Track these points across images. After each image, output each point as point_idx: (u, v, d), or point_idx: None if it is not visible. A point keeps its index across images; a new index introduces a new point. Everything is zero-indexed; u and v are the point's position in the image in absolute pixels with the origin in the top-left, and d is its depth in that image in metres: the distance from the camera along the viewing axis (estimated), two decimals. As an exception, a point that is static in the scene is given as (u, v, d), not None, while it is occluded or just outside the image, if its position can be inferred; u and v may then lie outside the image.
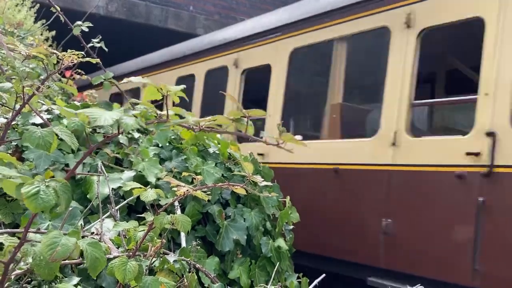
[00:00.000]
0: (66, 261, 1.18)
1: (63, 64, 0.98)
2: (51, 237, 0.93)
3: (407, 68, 3.59)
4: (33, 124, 2.02)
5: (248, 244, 2.28)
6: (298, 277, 2.68)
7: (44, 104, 2.29)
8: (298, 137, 0.96)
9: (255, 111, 0.96)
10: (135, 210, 2.02)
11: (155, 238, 1.27)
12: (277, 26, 4.81)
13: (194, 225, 2.14)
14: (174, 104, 1.07)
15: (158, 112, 1.05)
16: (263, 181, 1.14)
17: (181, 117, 1.07)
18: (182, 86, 1.03)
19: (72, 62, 3.95)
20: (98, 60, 1.21)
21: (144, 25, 10.46)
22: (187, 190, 1.07)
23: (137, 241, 1.17)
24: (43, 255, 0.90)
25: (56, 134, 1.01)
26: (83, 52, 1.03)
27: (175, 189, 1.11)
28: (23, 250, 0.98)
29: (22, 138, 0.95)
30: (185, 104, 1.06)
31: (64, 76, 4.78)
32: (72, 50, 1.07)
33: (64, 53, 0.99)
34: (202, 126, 0.99)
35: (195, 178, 1.26)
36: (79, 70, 4.53)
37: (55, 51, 1.00)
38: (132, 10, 10.21)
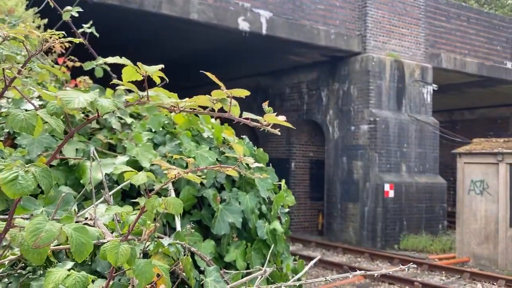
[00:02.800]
0: (54, 246, 1.18)
1: (45, 45, 0.96)
2: (35, 223, 0.92)
3: None
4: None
5: (244, 228, 2.29)
6: (295, 260, 2.70)
7: (36, 91, 2.27)
8: (282, 117, 0.95)
9: (239, 90, 0.95)
10: (129, 195, 2.02)
11: (148, 222, 1.27)
12: None
13: (190, 209, 2.15)
14: (156, 85, 1.05)
15: (140, 93, 1.03)
16: (254, 162, 1.13)
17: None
18: (160, 66, 1.01)
19: (61, 47, 3.89)
20: (81, 39, 1.18)
21: (137, 11, 10.35)
22: (178, 173, 1.07)
23: (129, 224, 1.17)
24: (26, 241, 0.90)
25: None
26: (63, 32, 1.00)
27: (165, 172, 1.10)
28: (12, 236, 0.98)
29: (6, 122, 0.94)
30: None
31: (57, 63, 4.74)
32: (52, 30, 1.04)
33: (45, 33, 0.97)
34: (181, 108, 0.97)
35: (188, 162, 1.25)
36: (72, 57, 4.49)
37: (34, 31, 0.98)
38: (125, -5, 10.08)
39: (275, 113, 1.00)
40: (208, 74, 1.02)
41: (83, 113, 2.09)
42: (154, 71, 0.99)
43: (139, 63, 0.99)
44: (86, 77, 4.12)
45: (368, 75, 13.58)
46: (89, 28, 2.56)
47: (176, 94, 1.04)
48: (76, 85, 4.25)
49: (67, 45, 4.46)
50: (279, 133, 1.01)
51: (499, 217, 10.62)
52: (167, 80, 1.03)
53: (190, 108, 1.00)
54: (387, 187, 13.20)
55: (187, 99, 1.01)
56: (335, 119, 14.50)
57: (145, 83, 0.98)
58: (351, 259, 12.37)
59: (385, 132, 13.54)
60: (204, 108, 1.02)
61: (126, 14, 10.67)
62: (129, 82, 1.01)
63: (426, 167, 14.31)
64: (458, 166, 11.40)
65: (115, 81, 1.01)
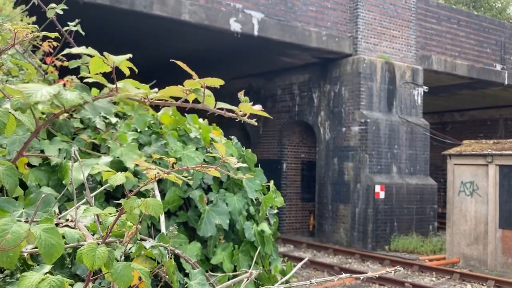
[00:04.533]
0: (31, 250, 1.14)
1: (18, 39, 0.92)
2: (1, 224, 0.88)
3: None
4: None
5: (231, 229, 2.26)
6: (283, 261, 2.67)
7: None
8: (258, 106, 0.91)
9: (212, 79, 0.91)
10: (114, 196, 1.98)
11: (129, 223, 1.23)
12: None
13: (176, 210, 2.11)
14: (126, 76, 1.01)
15: (109, 85, 0.99)
16: (238, 162, 1.10)
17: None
18: (128, 55, 0.97)
19: (49, 46, 3.81)
20: (56, 34, 1.14)
21: (128, 11, 10.28)
22: (158, 173, 1.04)
23: (107, 226, 1.14)
24: (-9, 243, 0.85)
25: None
26: (36, 26, 0.96)
27: (144, 172, 1.07)
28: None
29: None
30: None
31: (45, 63, 4.67)
32: (28, 23, 1.00)
33: (16, 27, 0.93)
34: (151, 99, 0.93)
35: (169, 162, 1.22)
36: (61, 56, 4.43)
37: (6, 24, 0.94)
38: (116, -5, 10.00)
39: (251, 103, 0.96)
40: (179, 63, 0.98)
41: (67, 112, 2.05)
42: (121, 61, 0.95)
43: (106, 53, 0.95)
44: (74, 77, 4.06)
45: (359, 77, 13.62)
46: (74, 26, 2.51)
47: (147, 85, 1.00)
48: (64, 85, 4.19)
49: (55, 44, 4.40)
50: (255, 123, 0.98)
51: (488, 218, 10.68)
52: (136, 70, 0.99)
53: (162, 100, 0.95)
54: (377, 188, 13.23)
55: (156, 89, 0.97)
56: (326, 120, 14.52)
57: (113, 74, 0.94)
58: (342, 260, 12.37)
59: (376, 133, 13.57)
60: (178, 99, 0.98)
61: (117, 14, 10.59)
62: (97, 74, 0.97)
63: (417, 168, 14.37)
64: (448, 168, 11.46)
65: (83, 74, 0.97)
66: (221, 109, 0.93)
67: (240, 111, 0.92)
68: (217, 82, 0.92)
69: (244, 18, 11.77)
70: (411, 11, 14.82)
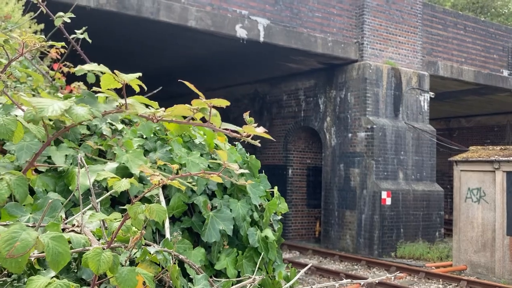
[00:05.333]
0: (37, 254, 1.16)
1: (26, 48, 0.95)
2: (10, 231, 0.90)
3: None
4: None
5: (235, 235, 2.27)
6: (287, 267, 2.68)
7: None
8: (261, 129, 0.94)
9: (218, 100, 0.93)
10: (120, 202, 2.00)
11: (134, 228, 1.26)
12: None
13: (180, 216, 2.13)
14: (135, 93, 1.04)
15: (119, 100, 1.02)
16: (239, 169, 1.12)
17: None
18: (138, 74, 1.00)
19: (57, 53, 3.87)
20: (63, 43, 1.17)
21: (135, 17, 10.38)
22: (161, 179, 1.06)
23: (112, 231, 1.16)
24: (0, 250, 0.88)
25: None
26: (43, 36, 0.99)
27: (149, 178, 1.09)
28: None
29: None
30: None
31: (52, 69, 4.73)
32: (36, 35, 1.03)
33: (24, 37, 0.96)
34: (158, 118, 0.96)
35: (173, 168, 1.24)
36: (67, 63, 4.49)
37: (15, 35, 0.97)
38: (123, 2, 10.10)
39: (256, 124, 0.99)
40: (187, 83, 1.01)
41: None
42: (131, 79, 0.98)
43: (116, 71, 0.98)
44: (81, 83, 4.11)
45: (365, 83, 13.62)
46: (81, 34, 2.55)
47: (156, 102, 1.03)
48: (71, 91, 4.24)
49: (62, 50, 4.44)
50: (259, 144, 1.00)
51: (496, 225, 10.60)
52: (146, 88, 1.01)
53: (169, 118, 0.98)
54: (384, 194, 13.18)
55: (163, 109, 1.00)
56: (332, 126, 14.51)
57: (123, 91, 0.97)
58: (348, 266, 12.32)
59: (382, 139, 13.55)
60: (185, 117, 1.01)
61: (124, 21, 10.69)
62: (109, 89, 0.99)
63: (423, 174, 14.31)
64: (455, 174, 11.40)
65: (95, 88, 1.00)
66: (226, 129, 0.96)
67: (244, 132, 0.95)
68: (223, 103, 0.95)
69: (250, 25, 11.83)
70: (417, 17, 14.82)
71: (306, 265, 11.30)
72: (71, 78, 4.49)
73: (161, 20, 10.57)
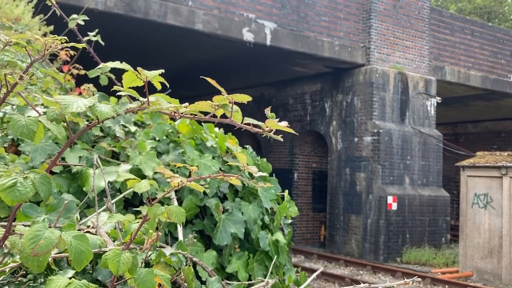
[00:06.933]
0: (55, 254, 1.17)
1: (47, 50, 0.96)
2: (34, 230, 0.91)
3: None
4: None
5: (246, 238, 2.27)
6: (297, 271, 2.67)
7: (40, 98, 2.27)
8: (284, 123, 0.94)
9: (240, 96, 0.94)
10: (132, 204, 2.01)
11: (150, 230, 1.26)
12: None
13: (192, 218, 2.13)
14: (157, 91, 1.04)
15: (140, 99, 1.02)
16: (258, 171, 1.12)
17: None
18: (160, 71, 1.00)
19: (66, 55, 3.90)
20: (84, 45, 1.18)
21: (142, 20, 10.42)
22: (181, 181, 1.06)
23: (131, 233, 1.16)
24: (25, 248, 0.88)
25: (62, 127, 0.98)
26: (65, 38, 1.00)
27: (168, 180, 1.09)
28: (11, 243, 0.97)
29: (8, 127, 0.93)
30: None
31: (62, 71, 4.76)
32: (54, 36, 1.04)
33: (46, 38, 0.97)
34: (181, 113, 0.96)
35: (192, 170, 1.24)
36: (77, 65, 4.51)
37: (38, 36, 0.98)
38: (131, 5, 10.16)
39: (277, 119, 0.98)
40: (209, 79, 1.01)
41: (87, 121, 2.09)
42: (154, 75, 0.98)
43: (139, 68, 0.98)
44: (91, 85, 4.13)
45: (372, 87, 13.59)
46: (94, 36, 2.57)
47: (177, 100, 1.03)
48: (80, 93, 4.26)
49: (72, 52, 4.47)
50: (281, 139, 1.00)
51: (503, 232, 10.53)
52: (168, 85, 1.02)
53: (191, 114, 0.98)
54: (390, 199, 13.13)
55: (187, 104, 1.00)
56: (338, 130, 14.49)
57: (146, 88, 0.97)
58: (353, 271, 12.27)
59: (389, 144, 13.51)
60: (206, 114, 1.01)
61: (131, 23, 10.74)
62: (130, 88, 1.00)
63: (430, 179, 14.24)
64: (462, 179, 11.34)
65: (116, 87, 1.00)
66: (248, 124, 0.96)
67: (267, 127, 0.94)
68: (245, 98, 0.95)
69: (257, 28, 11.86)
70: (424, 21, 14.80)
71: (311, 269, 11.26)
72: (81, 81, 4.51)
73: (168, 23, 10.62)
